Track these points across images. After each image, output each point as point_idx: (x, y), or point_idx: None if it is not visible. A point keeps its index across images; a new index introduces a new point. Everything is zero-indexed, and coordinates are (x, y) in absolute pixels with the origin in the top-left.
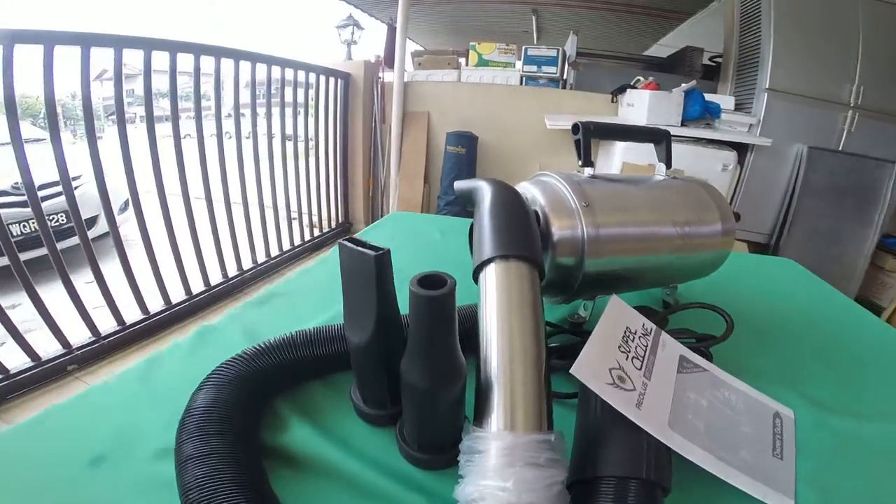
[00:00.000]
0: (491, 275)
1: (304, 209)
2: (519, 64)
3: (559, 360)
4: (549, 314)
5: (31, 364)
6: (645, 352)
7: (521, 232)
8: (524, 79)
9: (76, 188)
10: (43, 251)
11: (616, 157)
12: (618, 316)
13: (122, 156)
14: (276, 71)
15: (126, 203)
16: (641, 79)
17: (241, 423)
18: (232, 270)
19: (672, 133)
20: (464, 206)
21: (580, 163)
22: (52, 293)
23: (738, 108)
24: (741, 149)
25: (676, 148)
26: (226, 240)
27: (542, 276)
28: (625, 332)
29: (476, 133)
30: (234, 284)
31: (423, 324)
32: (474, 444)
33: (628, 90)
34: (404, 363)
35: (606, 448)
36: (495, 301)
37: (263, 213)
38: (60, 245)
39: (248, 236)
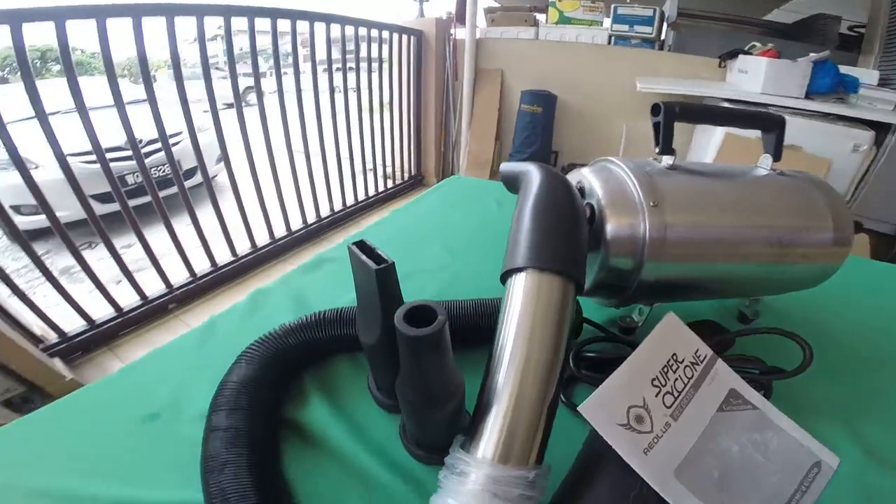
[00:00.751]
0: (518, 286)
1: (379, 161)
2: (607, 22)
3: (589, 373)
4: (597, 313)
5: (140, 302)
6: (685, 386)
7: (564, 240)
8: (612, 38)
9: (177, 143)
10: (154, 196)
11: (718, 128)
12: (667, 338)
13: (212, 112)
14: (349, 30)
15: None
16: (758, 45)
17: (267, 397)
18: (311, 217)
19: (793, 106)
20: (509, 190)
21: (657, 149)
22: (154, 237)
23: (884, 83)
24: (881, 129)
25: (796, 122)
26: (306, 190)
27: (580, 290)
28: (668, 361)
29: (555, 92)
30: (313, 231)
31: (412, 359)
32: (455, 465)
33: (741, 56)
34: (398, 380)
35: (590, 489)
36: (516, 321)
37: (341, 164)
38: (164, 193)
39: (327, 186)
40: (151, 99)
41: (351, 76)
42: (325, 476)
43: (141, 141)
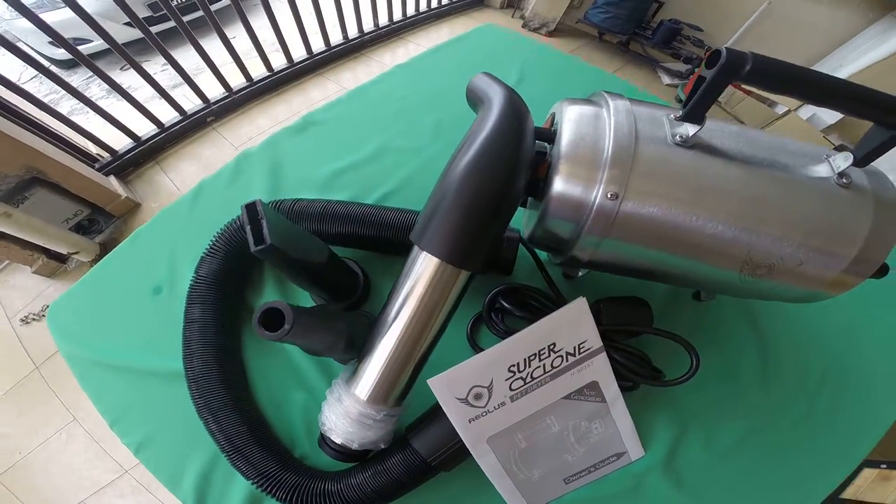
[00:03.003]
0: (417, 261)
1: None
2: None
3: (495, 319)
4: None
5: (179, 118)
6: (543, 374)
7: (470, 233)
8: None
9: None
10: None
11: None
12: (563, 323)
13: None
14: None
15: None
16: None
17: (231, 288)
18: (353, 32)
19: None
20: (470, 107)
21: (679, 114)
22: (183, 58)
23: None
24: None
25: None
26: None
27: (477, 271)
28: (539, 351)
29: None
30: (355, 45)
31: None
32: (335, 389)
33: None
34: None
35: (430, 427)
36: (404, 293)
37: None
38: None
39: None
40: None
41: None
42: (272, 361)
43: None
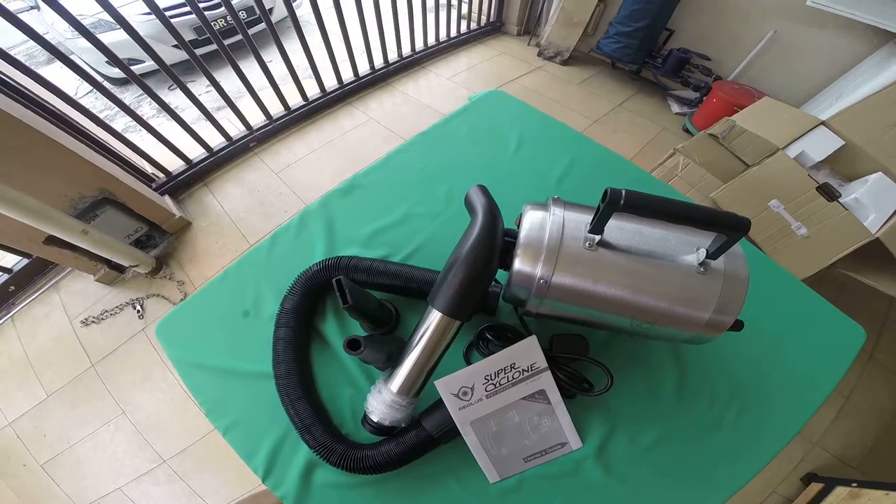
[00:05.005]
0: (434, 317)
1: None
2: None
3: (482, 345)
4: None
5: (225, 143)
6: (508, 382)
7: (464, 295)
8: None
9: None
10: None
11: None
12: (518, 351)
13: None
14: None
15: None
16: None
17: (306, 316)
18: (379, 62)
19: None
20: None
21: (588, 228)
22: (226, 79)
23: None
24: None
25: None
26: (374, 33)
27: (467, 320)
28: (504, 367)
29: None
30: (379, 76)
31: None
32: (377, 386)
33: None
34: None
35: (434, 412)
36: (429, 333)
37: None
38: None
39: (395, 28)
40: None
41: None
42: (330, 367)
43: None
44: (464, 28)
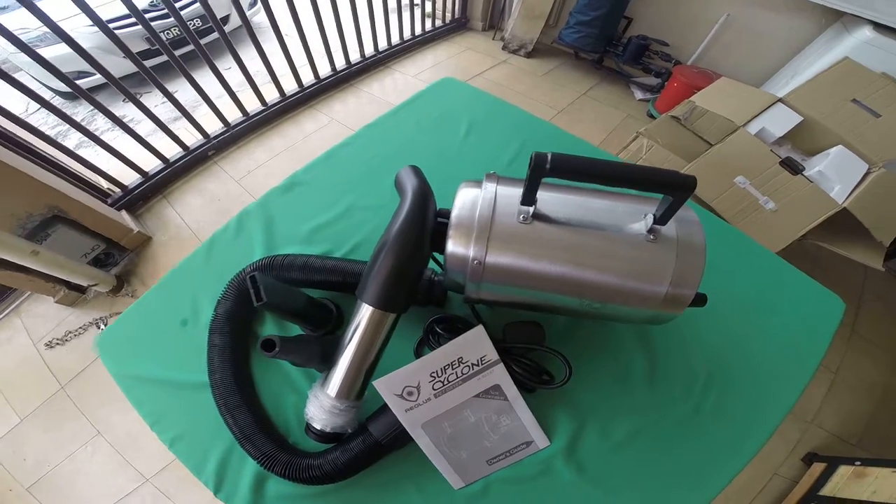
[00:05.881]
0: (365, 311)
1: None
2: None
3: (431, 339)
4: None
5: (182, 153)
6: (457, 378)
7: (394, 285)
8: None
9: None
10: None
11: (842, 47)
12: (466, 344)
13: None
14: None
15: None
16: None
17: (241, 321)
18: (340, 63)
19: None
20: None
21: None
22: (185, 88)
23: None
24: None
25: None
26: (332, 32)
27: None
28: (451, 362)
29: None
30: (342, 77)
31: None
32: (314, 390)
33: None
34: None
35: (381, 416)
36: (361, 329)
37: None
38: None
39: (356, 28)
40: None
41: None
42: (272, 374)
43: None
44: (429, 26)
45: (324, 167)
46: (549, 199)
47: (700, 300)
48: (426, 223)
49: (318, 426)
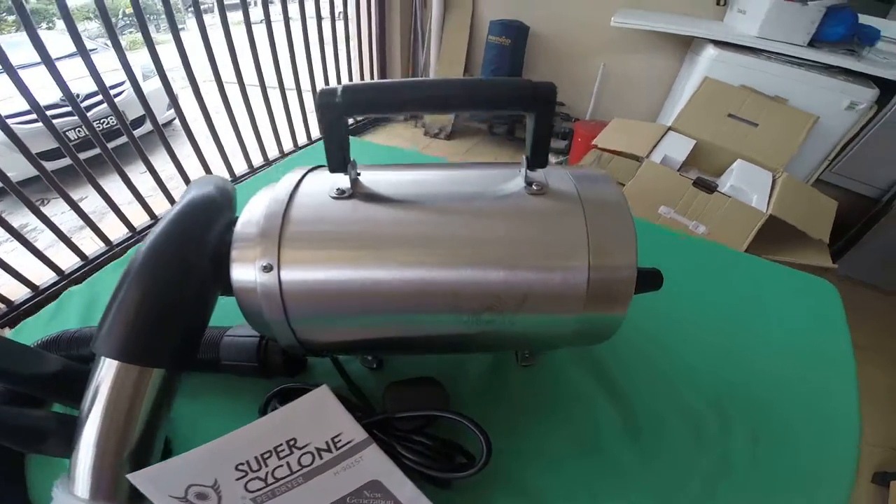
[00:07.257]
0: (108, 369)
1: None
2: None
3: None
4: None
5: (81, 263)
6: (290, 474)
7: (163, 330)
8: None
9: (120, 94)
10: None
11: (698, 70)
12: (299, 419)
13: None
14: None
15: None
16: None
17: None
18: (257, 161)
19: (791, 54)
20: None
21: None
22: (86, 201)
23: None
24: (888, 88)
25: (790, 73)
26: (248, 133)
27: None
28: (277, 447)
29: (527, 23)
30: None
31: None
32: (58, 491)
33: None
34: None
35: None
36: (105, 395)
37: (301, 97)
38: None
39: (272, 127)
40: (83, 51)
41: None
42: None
43: (78, 95)
44: (350, 121)
45: None
46: (385, 178)
47: (650, 280)
48: (203, 235)
49: None
